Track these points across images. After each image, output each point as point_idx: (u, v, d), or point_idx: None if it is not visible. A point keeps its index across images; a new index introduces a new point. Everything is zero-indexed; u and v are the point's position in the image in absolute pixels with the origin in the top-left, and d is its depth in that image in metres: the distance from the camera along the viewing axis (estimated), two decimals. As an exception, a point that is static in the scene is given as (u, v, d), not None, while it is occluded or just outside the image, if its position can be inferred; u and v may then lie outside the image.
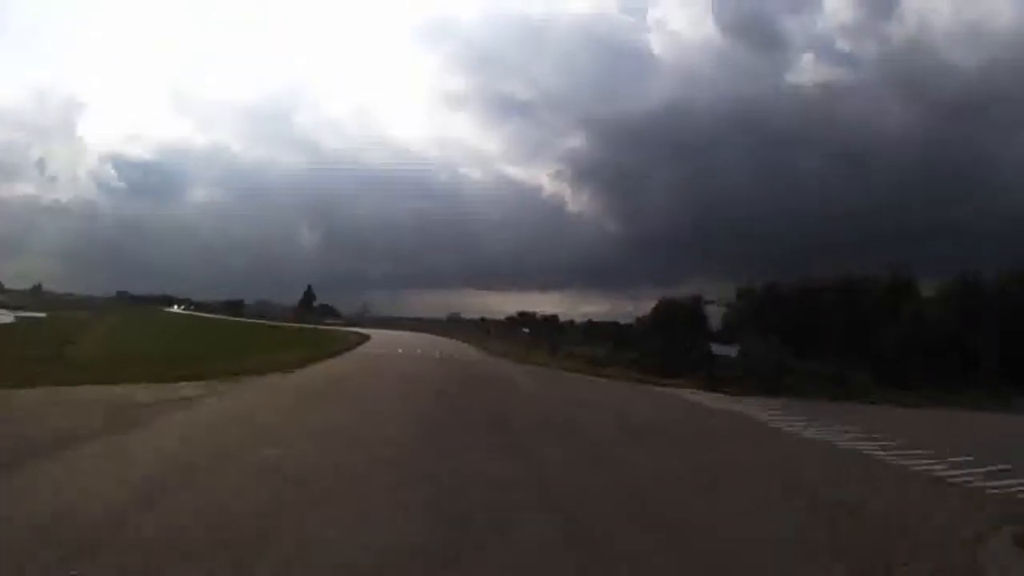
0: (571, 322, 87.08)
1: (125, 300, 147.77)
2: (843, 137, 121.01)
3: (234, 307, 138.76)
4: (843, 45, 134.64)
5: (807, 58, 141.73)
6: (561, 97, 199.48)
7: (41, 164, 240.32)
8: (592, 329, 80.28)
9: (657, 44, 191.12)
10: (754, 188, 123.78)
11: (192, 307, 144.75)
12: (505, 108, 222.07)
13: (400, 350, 44.13)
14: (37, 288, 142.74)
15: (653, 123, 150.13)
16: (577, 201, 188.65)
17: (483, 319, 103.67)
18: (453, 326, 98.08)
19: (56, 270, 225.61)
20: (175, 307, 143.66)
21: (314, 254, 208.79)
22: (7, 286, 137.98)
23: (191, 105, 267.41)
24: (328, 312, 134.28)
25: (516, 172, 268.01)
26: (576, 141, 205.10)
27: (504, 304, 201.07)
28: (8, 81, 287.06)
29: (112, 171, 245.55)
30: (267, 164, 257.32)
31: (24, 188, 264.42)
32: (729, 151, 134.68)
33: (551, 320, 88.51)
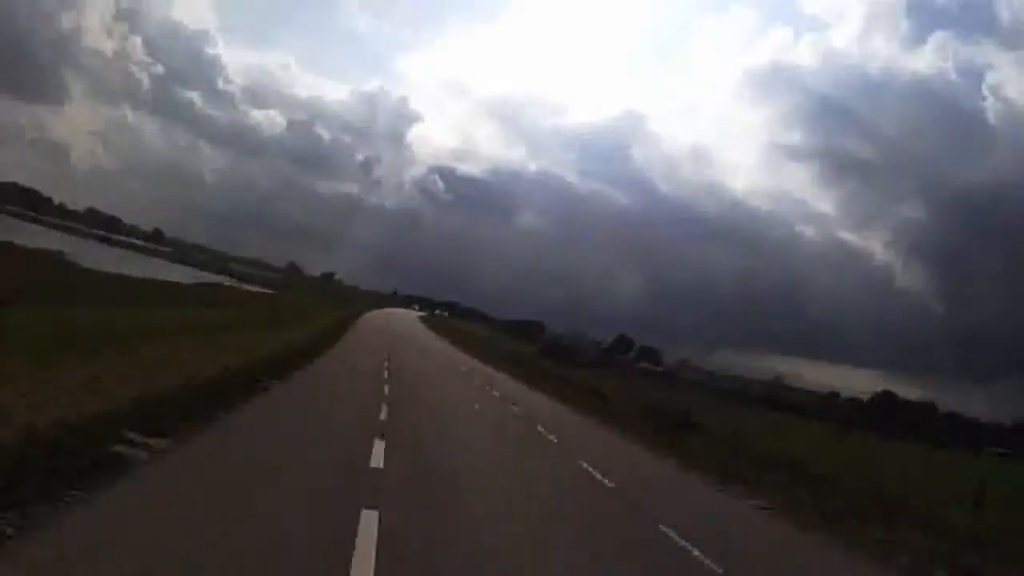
0: (951, 414, 62.06)
1: (395, 297, 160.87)
2: None
3: (527, 327, 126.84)
4: None
5: None
6: (900, 160, 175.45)
7: (366, 166, 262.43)
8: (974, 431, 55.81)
9: (992, 112, 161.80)
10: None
11: (437, 311, 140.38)
12: (844, 166, 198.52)
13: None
14: (329, 276, 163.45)
15: (984, 200, 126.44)
16: (906, 276, 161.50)
17: (835, 395, 74.62)
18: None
19: (356, 263, 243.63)
20: (415, 307, 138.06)
21: (632, 295, 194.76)
22: (307, 271, 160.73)
23: (524, 129, 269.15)
24: (649, 356, 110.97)
25: (850, 237, 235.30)
26: (913, 211, 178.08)
27: (816, 374, 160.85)
28: (339, 83, 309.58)
29: (439, 183, 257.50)
30: (599, 197, 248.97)
31: (347, 187, 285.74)
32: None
33: (928, 411, 62.72)
